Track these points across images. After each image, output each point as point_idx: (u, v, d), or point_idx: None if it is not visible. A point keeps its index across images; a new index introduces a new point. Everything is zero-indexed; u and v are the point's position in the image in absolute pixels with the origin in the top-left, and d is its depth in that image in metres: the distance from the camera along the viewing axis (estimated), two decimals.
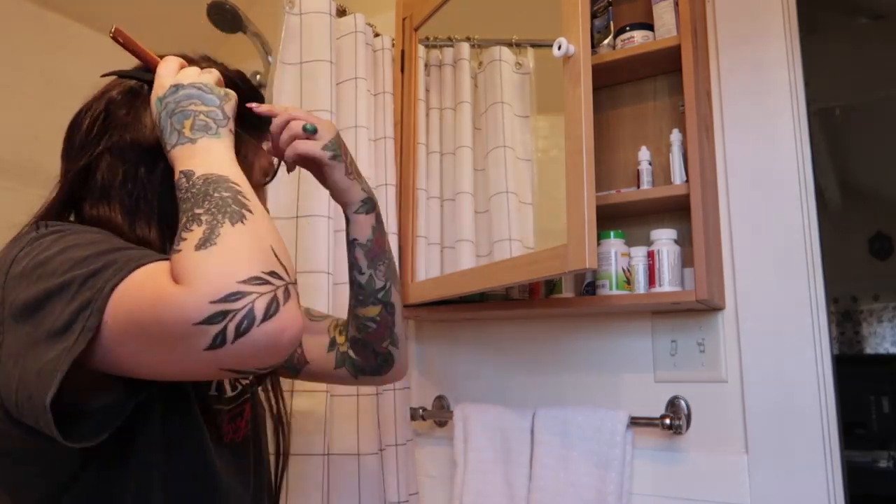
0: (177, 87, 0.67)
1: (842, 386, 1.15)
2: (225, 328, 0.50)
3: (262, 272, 0.52)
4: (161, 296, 0.51)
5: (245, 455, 0.79)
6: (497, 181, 1.27)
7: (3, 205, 1.51)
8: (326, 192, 1.26)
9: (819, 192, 1.19)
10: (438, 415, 1.47)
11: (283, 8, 1.36)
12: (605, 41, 1.29)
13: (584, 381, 1.34)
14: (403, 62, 1.49)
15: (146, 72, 0.75)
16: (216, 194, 0.57)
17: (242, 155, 0.77)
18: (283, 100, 1.32)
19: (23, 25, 1.64)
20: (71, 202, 0.72)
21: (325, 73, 1.32)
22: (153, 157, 0.70)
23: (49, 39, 1.67)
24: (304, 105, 1.32)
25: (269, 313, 0.51)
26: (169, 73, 0.70)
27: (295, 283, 0.56)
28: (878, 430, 3.59)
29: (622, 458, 1.17)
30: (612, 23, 1.30)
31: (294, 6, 1.37)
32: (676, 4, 1.21)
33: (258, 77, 1.77)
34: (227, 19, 1.52)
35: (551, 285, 1.28)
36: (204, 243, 0.53)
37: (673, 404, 1.23)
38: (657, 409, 1.24)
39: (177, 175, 0.62)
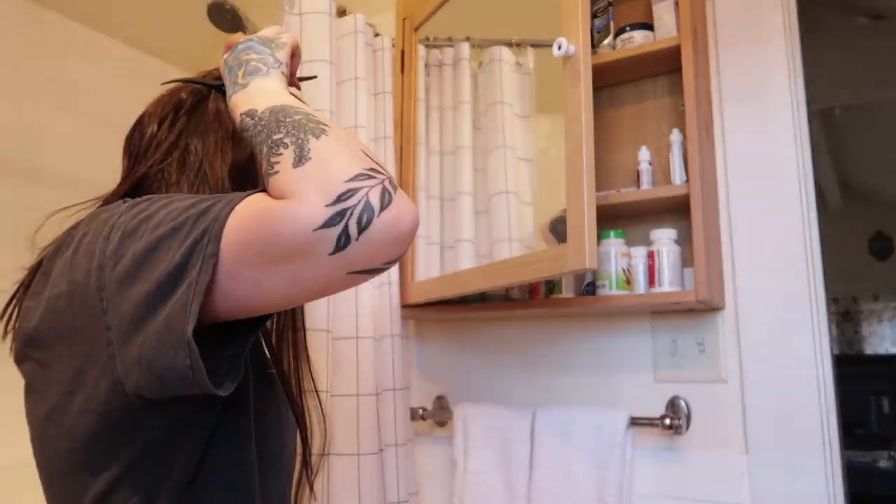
0: (237, 45, 0.71)
1: (842, 386, 1.15)
2: (346, 226, 0.50)
3: (364, 169, 0.53)
4: (272, 214, 0.51)
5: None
6: (497, 181, 1.27)
7: (3, 205, 1.51)
8: None
9: (819, 192, 1.19)
10: (438, 415, 1.47)
11: (283, 8, 1.36)
12: (605, 41, 1.29)
13: (584, 381, 1.34)
14: (403, 62, 1.49)
15: (211, 79, 0.80)
16: (287, 119, 0.58)
17: None
18: None
19: (23, 25, 1.64)
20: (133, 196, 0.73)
21: (325, 73, 1.32)
22: (218, 154, 0.74)
23: (49, 39, 1.67)
24: None
25: (384, 202, 0.51)
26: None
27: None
28: (878, 430, 3.60)
29: (622, 459, 1.18)
30: (612, 23, 1.30)
31: (294, 6, 1.37)
32: (676, 4, 1.21)
33: None
34: (227, 19, 1.52)
35: (551, 285, 1.28)
36: (299, 160, 0.53)
37: (673, 404, 1.23)
38: (657, 409, 1.24)
39: (239, 119, 0.63)
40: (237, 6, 1.51)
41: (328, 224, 0.50)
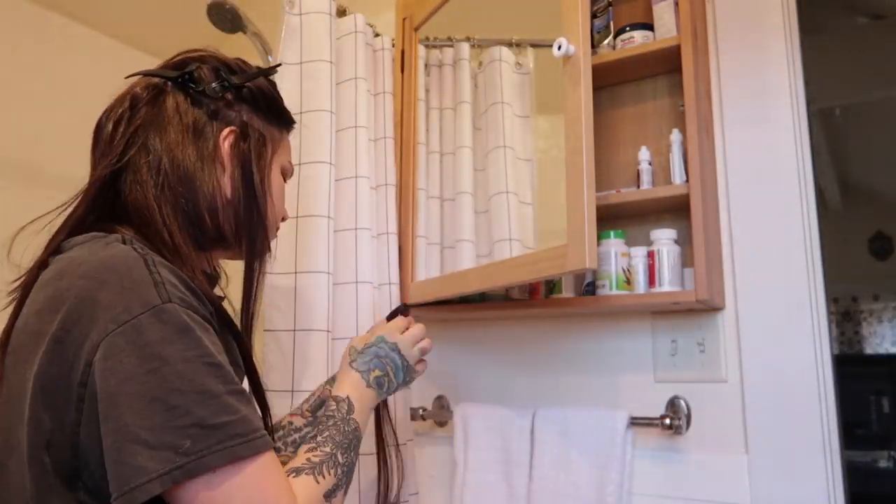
0: (395, 348, 0.90)
1: (842, 386, 1.15)
2: None
3: None
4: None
5: None
6: (497, 181, 1.27)
7: (3, 205, 1.51)
8: (326, 192, 1.27)
9: (819, 192, 1.19)
10: (438, 415, 1.47)
11: (283, 8, 1.36)
12: (605, 41, 1.29)
13: (584, 381, 1.34)
14: (403, 62, 1.49)
15: (169, 69, 0.80)
16: (352, 452, 0.76)
17: (271, 151, 0.84)
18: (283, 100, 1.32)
19: (23, 25, 1.64)
20: (104, 198, 0.74)
21: (325, 74, 1.32)
22: (180, 148, 0.75)
23: (49, 39, 1.67)
24: (304, 105, 1.32)
25: None
26: (396, 328, 0.93)
27: None
28: (878, 430, 3.60)
29: (622, 458, 1.17)
30: (612, 23, 1.30)
31: (294, 6, 1.37)
32: (676, 4, 1.21)
33: None
34: (227, 19, 1.51)
35: (551, 285, 1.28)
36: (329, 496, 0.70)
37: (673, 404, 1.23)
38: (657, 409, 1.24)
39: (340, 389, 0.83)
40: (237, 6, 1.51)
41: None
